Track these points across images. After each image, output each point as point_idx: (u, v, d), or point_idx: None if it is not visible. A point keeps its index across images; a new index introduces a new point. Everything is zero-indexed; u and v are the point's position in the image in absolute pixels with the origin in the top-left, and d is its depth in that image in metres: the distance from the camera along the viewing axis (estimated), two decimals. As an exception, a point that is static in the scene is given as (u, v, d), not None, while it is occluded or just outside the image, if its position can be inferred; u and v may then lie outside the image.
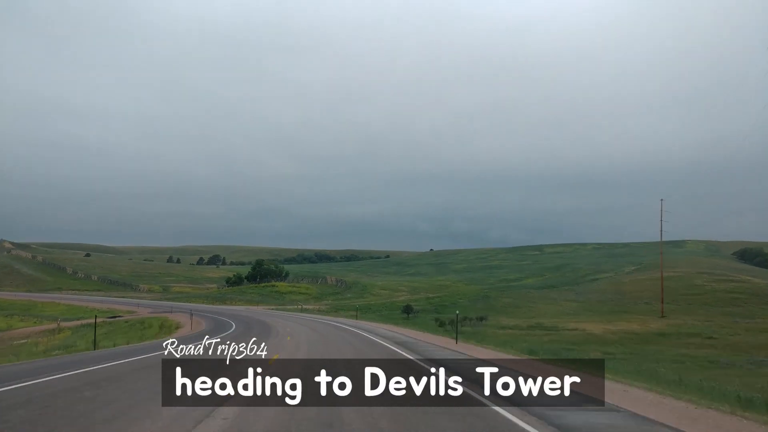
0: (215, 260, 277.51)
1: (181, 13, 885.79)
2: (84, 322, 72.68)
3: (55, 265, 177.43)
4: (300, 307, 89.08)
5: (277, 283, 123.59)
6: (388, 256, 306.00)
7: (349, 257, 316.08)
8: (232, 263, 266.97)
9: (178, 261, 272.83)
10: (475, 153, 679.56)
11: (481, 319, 78.43)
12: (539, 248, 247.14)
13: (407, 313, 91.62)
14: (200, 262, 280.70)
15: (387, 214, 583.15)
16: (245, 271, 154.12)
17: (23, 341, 52.75)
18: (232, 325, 50.26)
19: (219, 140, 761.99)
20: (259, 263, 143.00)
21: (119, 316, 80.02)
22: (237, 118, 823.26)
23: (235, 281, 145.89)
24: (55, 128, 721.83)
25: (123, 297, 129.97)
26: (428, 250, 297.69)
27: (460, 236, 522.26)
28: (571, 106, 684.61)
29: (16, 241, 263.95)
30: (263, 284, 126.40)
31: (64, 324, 73.21)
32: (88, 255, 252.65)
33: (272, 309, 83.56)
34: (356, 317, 62.99)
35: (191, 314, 57.91)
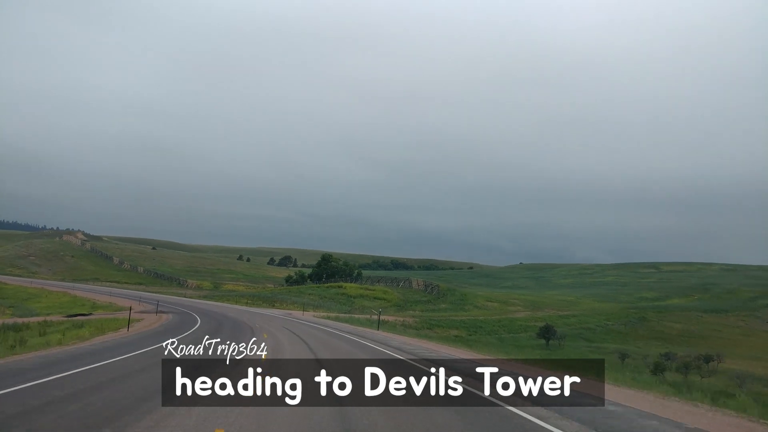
0: (286, 261, 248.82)
1: (251, 9, 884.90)
2: (34, 320, 42.47)
3: (102, 254, 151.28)
4: (374, 317, 53.74)
5: (344, 284, 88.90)
6: (471, 268, 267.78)
7: (428, 266, 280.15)
8: (303, 265, 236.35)
9: (248, 260, 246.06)
10: (561, 165, 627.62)
11: (707, 360, 40.16)
12: (654, 266, 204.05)
13: (546, 339, 54.45)
14: (271, 262, 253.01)
15: (464, 226, 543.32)
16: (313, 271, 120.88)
17: None
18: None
19: (292, 144, 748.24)
20: (325, 259, 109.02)
21: (87, 315, 48.67)
22: (309, 120, 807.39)
23: (296, 280, 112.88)
24: (135, 127, 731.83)
25: (158, 293, 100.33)
26: (518, 263, 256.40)
27: (541, 253, 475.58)
28: (675, 115, 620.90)
29: (92, 233, 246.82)
30: (328, 284, 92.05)
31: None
32: (154, 249, 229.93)
33: (326, 317, 48.41)
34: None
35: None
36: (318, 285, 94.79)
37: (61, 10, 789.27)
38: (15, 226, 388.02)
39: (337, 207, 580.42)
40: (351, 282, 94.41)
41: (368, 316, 54.65)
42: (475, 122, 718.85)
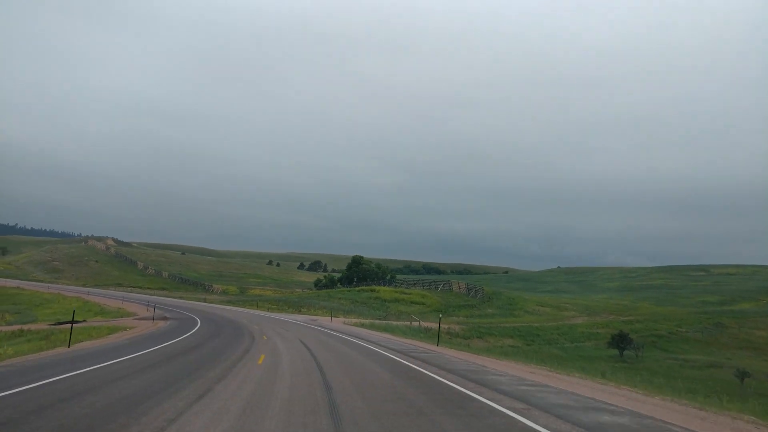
0: (316, 266, 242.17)
1: (275, 9, 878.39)
2: (9, 329, 37.00)
3: (127, 259, 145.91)
4: (415, 324, 45.30)
5: (378, 288, 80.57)
6: (506, 272, 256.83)
7: (462, 271, 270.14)
8: (333, 270, 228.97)
9: (278, 265, 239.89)
10: (592, 169, 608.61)
11: None
12: (704, 268, 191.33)
13: (620, 349, 45.34)
14: (300, 267, 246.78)
15: (493, 230, 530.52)
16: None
17: None
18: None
19: (320, 148, 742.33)
20: (356, 261, 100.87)
21: (79, 322, 41.08)
22: (337, 124, 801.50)
23: (325, 284, 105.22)
24: (169, 135, 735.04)
25: (180, 298, 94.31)
26: (554, 266, 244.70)
27: (574, 256, 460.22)
28: (710, 119, 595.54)
29: (122, 239, 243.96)
30: (359, 288, 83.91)
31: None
32: (183, 254, 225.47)
33: (358, 325, 40.01)
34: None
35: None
36: (349, 289, 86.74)
37: (88, 18, 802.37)
38: (52, 234, 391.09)
39: (367, 212, 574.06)
40: (384, 285, 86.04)
41: (407, 323, 46.20)
42: (506, 127, 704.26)
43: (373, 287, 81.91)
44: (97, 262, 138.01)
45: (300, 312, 64.98)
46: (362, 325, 38.37)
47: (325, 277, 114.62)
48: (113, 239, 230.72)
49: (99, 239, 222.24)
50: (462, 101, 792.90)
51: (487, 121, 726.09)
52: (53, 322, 39.33)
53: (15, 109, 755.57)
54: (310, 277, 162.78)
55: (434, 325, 48.41)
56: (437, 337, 27.01)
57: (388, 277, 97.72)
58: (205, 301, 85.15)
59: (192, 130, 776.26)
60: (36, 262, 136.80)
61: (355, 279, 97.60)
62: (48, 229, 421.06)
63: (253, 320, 40.34)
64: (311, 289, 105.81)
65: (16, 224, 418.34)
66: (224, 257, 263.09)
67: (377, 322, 44.53)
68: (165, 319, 38.75)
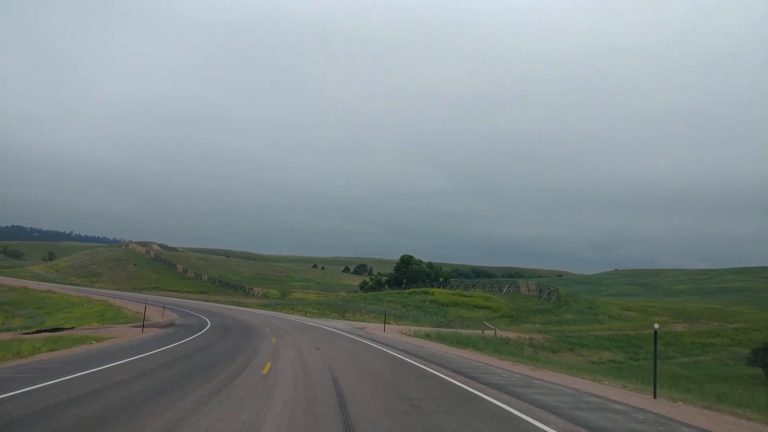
0: (361, 270, 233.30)
1: (296, 9, 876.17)
2: None
3: (166, 262, 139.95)
4: (489, 333, 35.02)
5: (432, 290, 70.35)
6: (560, 275, 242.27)
7: (512, 274, 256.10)
8: (379, 273, 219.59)
9: (323, 268, 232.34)
10: (645, 169, 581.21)
11: None
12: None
13: (766, 367, 33.87)
14: (346, 270, 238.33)
15: (541, 233, 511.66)
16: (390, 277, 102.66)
17: None
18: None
19: (363, 152, 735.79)
20: (404, 261, 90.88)
21: (67, 329, 31.90)
22: (383, 129, 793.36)
23: (372, 286, 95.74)
24: (221, 143, 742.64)
25: (216, 302, 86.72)
26: (612, 269, 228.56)
27: (625, 259, 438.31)
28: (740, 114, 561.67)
29: (170, 245, 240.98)
30: (410, 290, 73.89)
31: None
32: (227, 257, 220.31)
33: (422, 335, 29.71)
34: None
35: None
36: (398, 291, 76.85)
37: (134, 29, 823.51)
38: (103, 240, 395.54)
39: (413, 216, 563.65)
40: (438, 287, 75.76)
41: (479, 332, 35.92)
42: (553, 126, 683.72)
43: (426, 289, 71.78)
44: (135, 265, 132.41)
45: (344, 317, 55.51)
46: (427, 336, 28.35)
47: (371, 279, 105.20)
48: (159, 244, 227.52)
49: (143, 244, 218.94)
50: (508, 100, 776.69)
51: (537, 121, 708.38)
52: (33, 330, 31.15)
53: (83, 121, 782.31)
54: (355, 280, 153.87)
55: (512, 335, 37.97)
56: (653, 380, 12.23)
57: (442, 279, 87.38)
58: (240, 304, 76.82)
59: (242, 138, 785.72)
60: (76, 266, 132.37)
61: (405, 281, 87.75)
62: (100, 237, 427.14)
63: (278, 329, 30.96)
64: (357, 292, 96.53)
65: (72, 232, 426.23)
66: (269, 261, 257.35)
67: (443, 330, 34.43)
68: (169, 326, 29.92)
